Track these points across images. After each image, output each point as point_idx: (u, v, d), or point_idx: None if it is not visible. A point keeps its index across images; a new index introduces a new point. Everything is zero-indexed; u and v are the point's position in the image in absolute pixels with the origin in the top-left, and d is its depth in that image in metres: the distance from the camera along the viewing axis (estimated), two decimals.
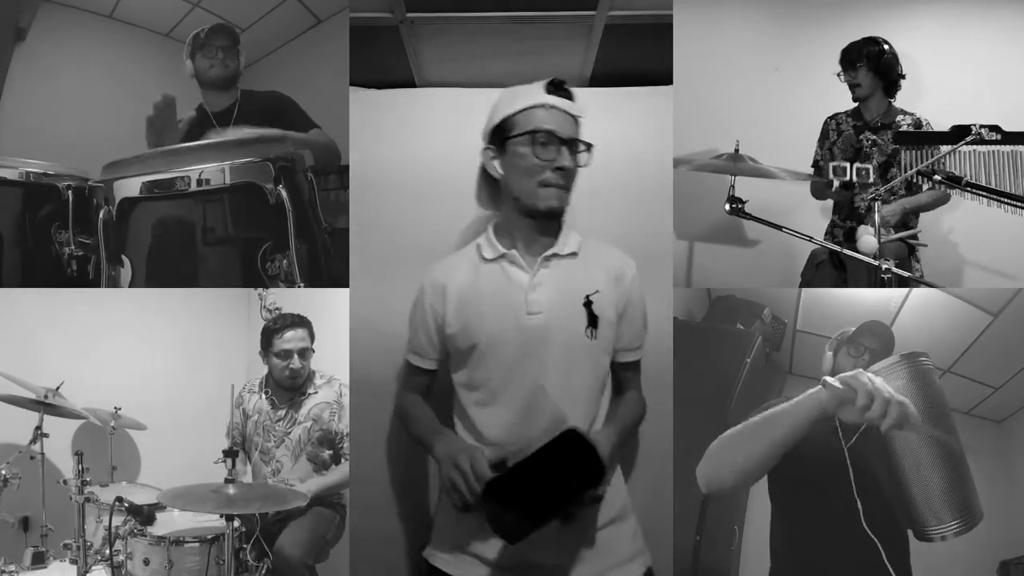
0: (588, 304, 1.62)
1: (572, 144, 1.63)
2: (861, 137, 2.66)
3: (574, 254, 1.68)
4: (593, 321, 1.62)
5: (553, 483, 1.39)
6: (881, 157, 2.60)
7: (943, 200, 2.57)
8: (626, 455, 2.08)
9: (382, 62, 2.38)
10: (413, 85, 2.43)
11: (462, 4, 2.19)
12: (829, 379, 1.35)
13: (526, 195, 1.63)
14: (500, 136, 1.66)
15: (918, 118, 2.60)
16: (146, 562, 2.07)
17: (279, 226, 1.75)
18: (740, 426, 1.52)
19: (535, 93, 1.64)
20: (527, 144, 1.62)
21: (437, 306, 1.69)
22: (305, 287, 1.77)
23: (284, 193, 1.74)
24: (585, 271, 1.67)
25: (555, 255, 1.67)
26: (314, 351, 2.55)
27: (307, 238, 1.82)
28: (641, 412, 1.79)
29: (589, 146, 1.66)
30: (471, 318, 1.64)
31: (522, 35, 2.28)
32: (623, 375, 1.77)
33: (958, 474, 1.67)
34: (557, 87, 1.65)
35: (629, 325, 1.71)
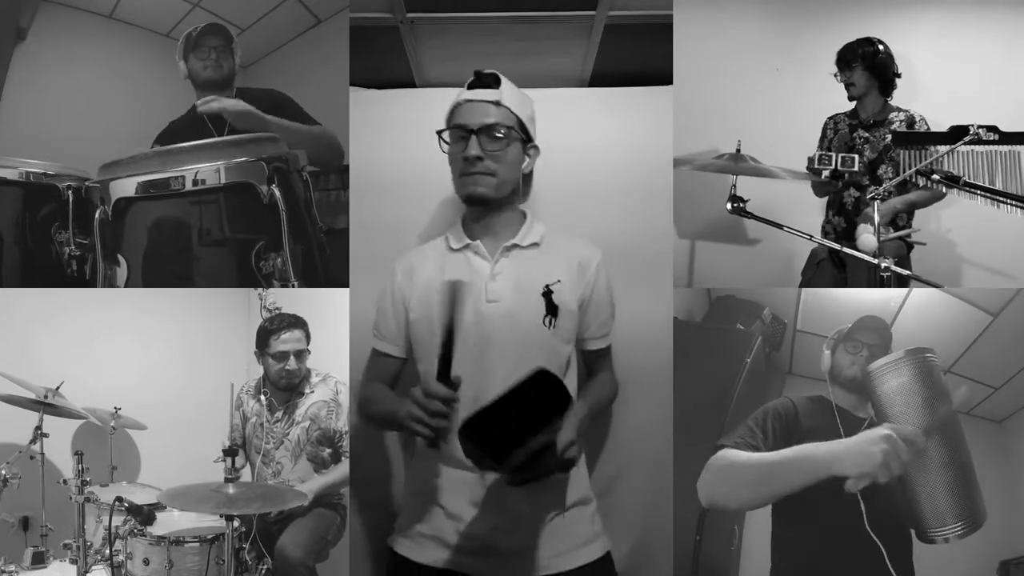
0: (548, 294, 1.66)
1: (487, 131, 1.67)
2: (855, 134, 2.68)
3: (535, 244, 1.73)
4: (552, 310, 1.65)
5: (525, 416, 1.40)
6: (872, 153, 2.61)
7: (937, 197, 2.58)
8: (621, 453, 2.08)
9: (382, 62, 2.38)
10: (413, 85, 2.43)
11: (462, 4, 2.19)
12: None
13: (456, 187, 1.73)
14: None
15: (911, 114, 2.61)
16: (146, 562, 2.07)
17: (273, 225, 1.75)
18: (748, 459, 1.52)
19: (459, 94, 1.73)
20: (447, 142, 1.74)
21: (405, 289, 1.74)
22: (300, 286, 1.77)
23: (278, 192, 1.75)
24: (547, 262, 1.71)
25: (516, 246, 1.72)
26: (310, 352, 2.55)
27: (302, 238, 1.82)
28: (612, 391, 1.83)
29: (511, 127, 1.69)
30: (433, 303, 1.68)
31: (522, 35, 2.28)
32: (593, 362, 1.80)
33: (963, 475, 1.66)
34: (480, 78, 1.72)
35: (595, 314, 1.74)
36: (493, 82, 1.71)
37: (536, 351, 1.64)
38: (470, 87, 1.72)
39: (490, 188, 1.68)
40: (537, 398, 1.40)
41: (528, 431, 1.38)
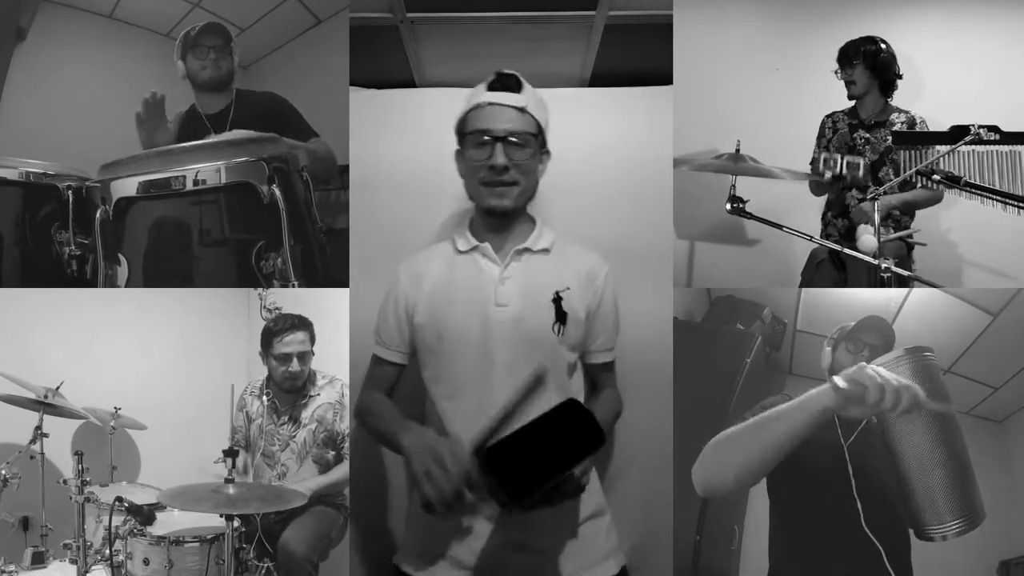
0: (557, 300, 1.62)
1: (513, 137, 1.59)
2: (855, 135, 2.67)
3: (546, 251, 1.68)
4: (561, 317, 1.61)
5: (552, 449, 1.34)
6: (873, 155, 2.60)
7: (936, 198, 2.57)
8: (621, 453, 2.08)
9: (382, 62, 2.38)
10: (413, 85, 2.44)
11: (462, 4, 2.20)
12: (837, 380, 1.29)
13: (474, 195, 1.65)
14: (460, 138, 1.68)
15: (912, 116, 2.60)
16: (146, 562, 2.07)
17: (273, 225, 1.75)
18: (738, 426, 1.50)
19: (477, 93, 1.65)
20: (467, 146, 1.63)
21: (411, 294, 1.68)
22: (300, 286, 1.77)
23: (278, 192, 1.75)
24: (556, 268, 1.67)
25: (527, 250, 1.67)
26: (314, 354, 2.53)
27: (302, 237, 1.82)
28: (617, 409, 1.78)
29: (535, 135, 1.62)
30: (440, 307, 1.64)
31: (522, 35, 2.28)
32: (598, 376, 1.77)
33: (960, 472, 1.66)
34: (501, 80, 1.64)
35: (602, 326, 1.71)
36: (515, 85, 1.63)
37: (545, 357, 1.58)
38: (491, 88, 1.63)
39: (513, 199, 1.61)
40: (566, 432, 1.34)
41: (554, 470, 1.32)
